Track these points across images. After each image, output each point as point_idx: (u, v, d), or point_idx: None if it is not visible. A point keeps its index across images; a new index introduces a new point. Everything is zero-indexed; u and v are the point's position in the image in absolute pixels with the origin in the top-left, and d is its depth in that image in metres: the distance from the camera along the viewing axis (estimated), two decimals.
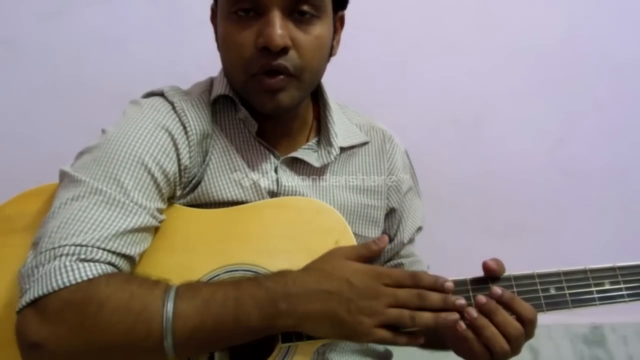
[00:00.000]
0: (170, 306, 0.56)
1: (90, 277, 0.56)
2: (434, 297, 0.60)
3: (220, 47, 0.73)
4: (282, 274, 0.61)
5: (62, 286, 0.55)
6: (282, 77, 0.67)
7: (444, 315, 0.59)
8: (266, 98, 0.69)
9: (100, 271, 0.57)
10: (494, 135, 1.38)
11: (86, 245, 0.58)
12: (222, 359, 0.69)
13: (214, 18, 0.76)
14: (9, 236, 0.69)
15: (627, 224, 1.42)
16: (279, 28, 0.64)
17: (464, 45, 1.35)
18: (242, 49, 0.67)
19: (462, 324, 0.60)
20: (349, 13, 0.79)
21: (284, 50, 0.66)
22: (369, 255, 0.65)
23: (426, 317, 0.59)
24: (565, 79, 1.38)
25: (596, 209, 1.42)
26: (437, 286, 0.61)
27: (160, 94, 0.75)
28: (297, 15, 0.67)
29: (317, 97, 0.82)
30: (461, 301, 0.60)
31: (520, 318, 0.62)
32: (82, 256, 0.57)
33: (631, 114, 1.41)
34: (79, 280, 0.56)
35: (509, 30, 1.35)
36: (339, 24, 0.78)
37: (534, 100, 1.39)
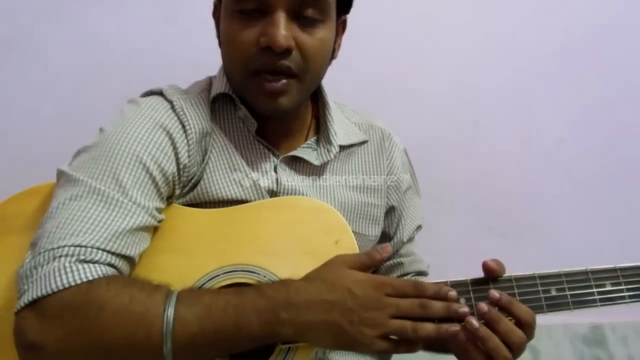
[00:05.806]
0: (171, 311, 0.55)
1: (91, 278, 0.56)
2: (437, 307, 0.59)
3: (221, 44, 0.73)
4: (285, 283, 0.60)
5: (61, 287, 0.54)
6: (284, 80, 0.67)
7: (445, 326, 0.59)
8: (266, 100, 0.69)
9: (100, 273, 0.57)
10: (494, 135, 1.38)
11: (85, 246, 0.57)
12: (221, 359, 0.69)
13: (216, 13, 0.76)
14: (7, 236, 0.68)
15: (627, 224, 1.42)
16: (283, 29, 0.64)
17: (464, 45, 1.35)
18: (243, 47, 0.67)
19: (463, 336, 0.59)
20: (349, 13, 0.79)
21: (287, 51, 0.66)
22: (371, 264, 0.64)
23: (428, 328, 0.59)
24: (565, 79, 1.38)
25: (596, 209, 1.42)
26: (440, 296, 0.60)
27: (159, 93, 0.74)
28: (302, 19, 0.67)
29: (316, 96, 0.82)
30: (464, 309, 0.59)
31: (519, 321, 0.61)
32: (82, 257, 0.57)
33: (631, 114, 1.41)
34: (79, 282, 0.55)
35: (509, 31, 1.36)
36: (340, 28, 0.78)
37: (534, 100, 1.38)
